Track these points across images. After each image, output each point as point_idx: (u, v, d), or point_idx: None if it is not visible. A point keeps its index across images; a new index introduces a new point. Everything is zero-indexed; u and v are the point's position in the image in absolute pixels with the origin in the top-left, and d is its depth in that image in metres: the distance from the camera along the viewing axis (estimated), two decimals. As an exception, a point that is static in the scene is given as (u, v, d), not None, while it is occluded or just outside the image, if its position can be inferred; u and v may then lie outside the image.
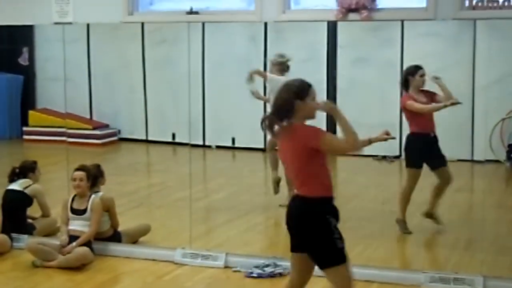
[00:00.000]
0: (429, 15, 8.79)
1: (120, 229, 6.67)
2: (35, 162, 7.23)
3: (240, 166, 10.89)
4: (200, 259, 6.16)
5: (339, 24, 9.90)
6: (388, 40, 10.06)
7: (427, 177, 9.29)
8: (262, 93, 8.79)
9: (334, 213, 4.20)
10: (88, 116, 11.95)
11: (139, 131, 11.67)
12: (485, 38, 9.11)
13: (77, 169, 6.47)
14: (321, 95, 9.90)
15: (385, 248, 6.53)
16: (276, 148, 7.47)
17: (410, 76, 7.13)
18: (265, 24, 10.23)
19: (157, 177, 10.31)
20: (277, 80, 8.26)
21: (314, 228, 4.10)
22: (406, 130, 10.12)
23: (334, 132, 4.45)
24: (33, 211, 7.07)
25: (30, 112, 11.99)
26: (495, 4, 8.42)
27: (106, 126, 11.91)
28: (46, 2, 7.92)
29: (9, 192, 6.95)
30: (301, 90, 4.22)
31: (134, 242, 6.69)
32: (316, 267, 4.25)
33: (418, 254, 6.34)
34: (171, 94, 11.18)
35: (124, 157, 11.83)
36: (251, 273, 5.84)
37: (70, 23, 7.23)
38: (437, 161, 7.07)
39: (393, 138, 4.58)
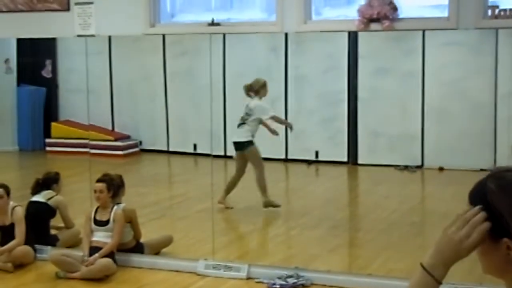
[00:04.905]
0: (451, 25, 8.75)
1: (142, 240, 6.69)
2: (58, 174, 7.28)
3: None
4: (222, 270, 6.16)
5: (360, 34, 9.88)
6: (410, 50, 10.03)
7: (447, 186, 9.27)
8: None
9: None
10: (110, 128, 12.01)
11: (161, 142, 11.69)
12: (507, 47, 9.06)
13: (98, 180, 6.51)
14: (342, 105, 9.96)
15: (407, 259, 6.49)
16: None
17: None
18: (286, 35, 10.24)
19: (179, 188, 10.33)
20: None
21: None
22: (427, 140, 10.12)
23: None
24: (58, 221, 7.11)
25: (53, 124, 12.06)
26: (517, 13, 8.39)
27: (128, 138, 11.95)
28: (68, 15, 7.99)
29: (33, 204, 7.00)
30: None
31: (157, 253, 6.71)
32: None
33: (441, 265, 6.30)
34: (192, 106, 11.21)
35: (146, 168, 11.87)
36: (274, 284, 5.82)
37: (92, 35, 7.28)
38: None
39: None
